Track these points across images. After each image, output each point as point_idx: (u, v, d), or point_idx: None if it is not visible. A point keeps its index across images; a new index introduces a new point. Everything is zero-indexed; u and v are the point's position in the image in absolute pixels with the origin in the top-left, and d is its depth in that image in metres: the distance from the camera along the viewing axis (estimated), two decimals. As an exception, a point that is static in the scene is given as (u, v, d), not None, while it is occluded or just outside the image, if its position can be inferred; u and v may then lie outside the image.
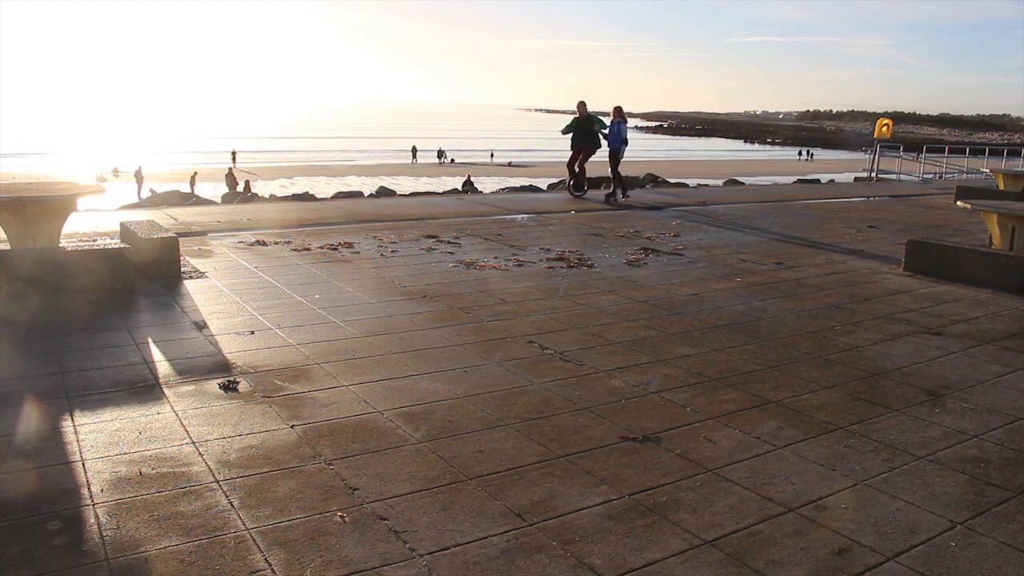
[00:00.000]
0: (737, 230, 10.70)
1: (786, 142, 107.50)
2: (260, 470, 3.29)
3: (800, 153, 79.88)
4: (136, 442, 3.51)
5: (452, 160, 56.32)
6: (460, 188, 30.29)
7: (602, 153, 13.70)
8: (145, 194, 27.72)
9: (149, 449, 3.44)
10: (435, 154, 55.90)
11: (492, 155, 51.64)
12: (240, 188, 29.24)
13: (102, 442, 3.49)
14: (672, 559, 2.74)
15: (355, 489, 3.15)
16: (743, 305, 6.43)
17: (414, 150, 57.27)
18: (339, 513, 2.96)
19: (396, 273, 7.18)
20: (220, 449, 3.48)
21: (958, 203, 10.52)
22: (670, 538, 2.87)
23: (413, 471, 3.32)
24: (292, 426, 3.75)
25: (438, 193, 23.17)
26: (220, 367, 4.54)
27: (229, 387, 4.22)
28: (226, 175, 31.92)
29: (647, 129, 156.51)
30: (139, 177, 31.32)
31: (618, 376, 4.60)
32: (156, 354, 4.77)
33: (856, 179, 25.08)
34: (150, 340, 5.03)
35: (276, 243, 8.44)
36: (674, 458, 3.54)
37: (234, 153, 52.45)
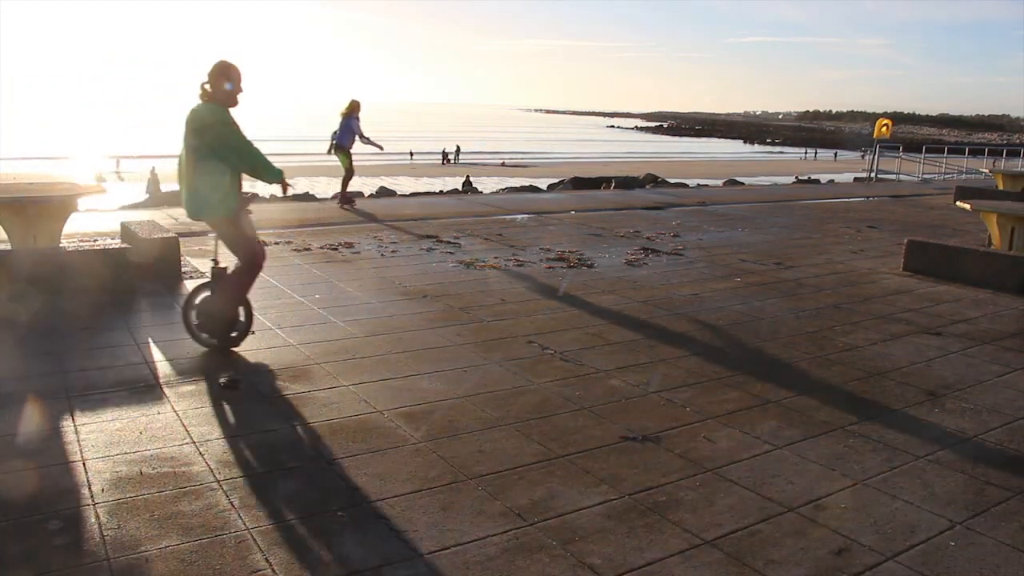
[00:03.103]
0: (737, 230, 10.70)
1: (786, 142, 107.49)
2: (260, 470, 3.30)
3: (806, 153, 79.90)
4: (137, 442, 3.51)
5: (457, 150, 56.01)
6: (460, 188, 30.28)
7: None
8: (145, 195, 27.70)
9: (150, 449, 3.45)
10: (440, 156, 55.62)
11: (503, 163, 51.80)
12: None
13: (103, 442, 3.50)
14: (672, 559, 2.75)
15: (355, 489, 3.16)
16: (743, 305, 6.44)
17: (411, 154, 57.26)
18: (339, 513, 2.97)
19: (396, 273, 7.18)
20: (220, 449, 3.48)
21: (957, 203, 10.53)
22: (670, 538, 2.88)
23: (413, 471, 3.33)
24: (292, 426, 3.75)
25: (438, 193, 23.17)
26: (221, 367, 4.55)
27: (229, 387, 4.22)
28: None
29: (647, 129, 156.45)
30: (153, 177, 31.33)
31: (618, 376, 4.61)
32: (157, 354, 4.77)
33: (856, 179, 25.10)
34: (151, 340, 5.04)
35: (276, 243, 8.44)
36: (674, 458, 3.54)
37: None
